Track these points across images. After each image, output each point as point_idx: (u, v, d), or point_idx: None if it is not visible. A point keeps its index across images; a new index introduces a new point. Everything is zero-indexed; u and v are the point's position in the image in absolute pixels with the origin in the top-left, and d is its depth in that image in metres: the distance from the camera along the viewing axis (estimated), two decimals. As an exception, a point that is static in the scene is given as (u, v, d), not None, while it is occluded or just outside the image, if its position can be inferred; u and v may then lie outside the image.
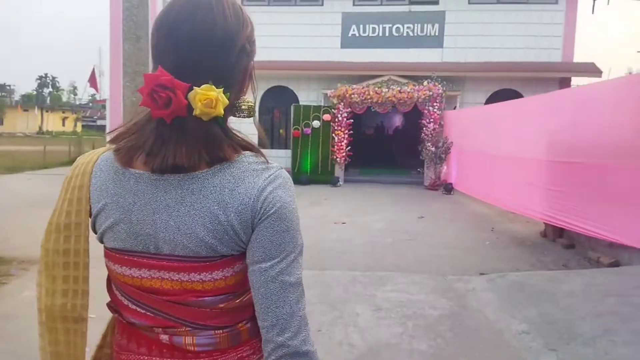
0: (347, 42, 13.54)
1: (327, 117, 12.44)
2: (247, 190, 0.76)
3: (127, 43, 14.51)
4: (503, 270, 5.04)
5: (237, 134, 0.84)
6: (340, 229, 6.72)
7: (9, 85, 71.98)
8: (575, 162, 6.05)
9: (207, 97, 0.74)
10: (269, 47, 13.57)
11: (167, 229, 0.76)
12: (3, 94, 67.08)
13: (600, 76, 12.20)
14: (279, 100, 13.80)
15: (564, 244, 6.19)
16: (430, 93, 12.06)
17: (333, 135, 12.48)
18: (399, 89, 12.16)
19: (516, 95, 12.70)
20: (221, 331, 0.79)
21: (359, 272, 4.82)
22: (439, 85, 12.10)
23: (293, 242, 0.77)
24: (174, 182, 0.76)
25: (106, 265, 0.83)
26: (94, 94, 17.25)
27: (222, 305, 0.78)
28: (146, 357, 0.80)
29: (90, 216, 0.83)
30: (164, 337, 0.79)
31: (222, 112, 0.77)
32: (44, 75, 73.92)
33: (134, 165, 0.78)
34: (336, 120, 12.45)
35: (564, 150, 6.23)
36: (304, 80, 13.60)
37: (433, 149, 11.94)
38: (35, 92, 71.60)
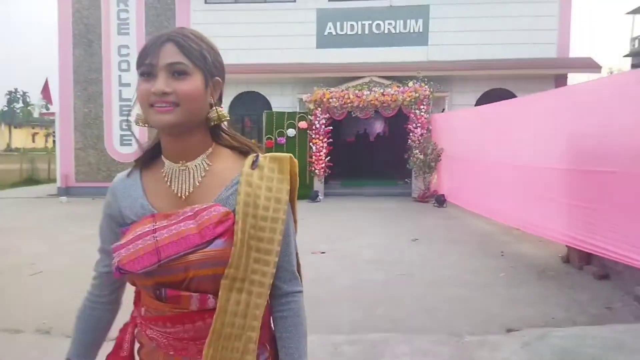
0: (323, 41, 12.30)
1: (303, 124, 11.16)
2: None
3: (78, 48, 12.93)
4: (533, 320, 3.80)
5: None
6: (319, 262, 5.41)
7: (-23, 102, 69.07)
8: (607, 171, 4.86)
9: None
10: (237, 49, 12.25)
11: None
12: (-30, 110, 64.19)
13: (599, 72, 11.22)
14: (249, 107, 12.47)
15: (595, 273, 4.99)
16: (417, 95, 10.89)
17: (310, 144, 11.21)
18: (381, 91, 10.96)
19: (509, 95, 11.62)
20: None
21: (344, 335, 3.51)
22: (426, 86, 10.94)
23: None
24: None
25: None
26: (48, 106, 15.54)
27: None
28: None
29: None
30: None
31: None
32: (13, 90, 71.17)
33: None
34: (313, 127, 11.19)
35: (590, 157, 5.05)
36: (276, 84, 12.30)
37: (421, 156, 10.75)
38: (4, 108, 68.78)
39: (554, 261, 5.63)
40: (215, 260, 0.95)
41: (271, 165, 1.04)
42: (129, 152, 12.73)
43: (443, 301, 4.29)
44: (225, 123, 1.07)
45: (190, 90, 0.95)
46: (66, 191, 12.55)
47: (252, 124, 12.74)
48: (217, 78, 1.03)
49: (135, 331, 1.10)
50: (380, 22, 12.28)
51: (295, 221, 1.10)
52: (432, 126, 11.07)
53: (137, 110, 1.03)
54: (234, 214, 0.98)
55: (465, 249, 6.23)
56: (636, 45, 27.95)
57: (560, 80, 11.73)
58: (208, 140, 1.04)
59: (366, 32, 12.31)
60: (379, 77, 11.48)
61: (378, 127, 17.74)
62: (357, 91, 11.03)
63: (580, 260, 5.31)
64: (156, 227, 0.97)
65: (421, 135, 10.96)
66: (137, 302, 1.10)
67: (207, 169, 1.03)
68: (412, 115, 11.02)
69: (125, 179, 1.09)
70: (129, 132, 12.71)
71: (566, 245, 5.54)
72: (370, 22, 12.28)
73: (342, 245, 6.48)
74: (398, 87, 11.04)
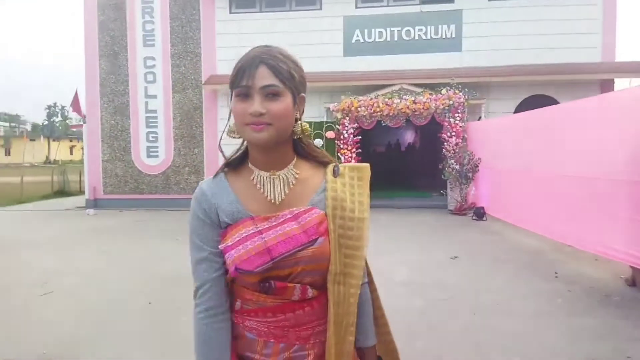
0: (351, 49, 11.89)
1: (330, 134, 10.72)
2: None
3: (104, 60, 12.88)
4: (605, 358, 3.18)
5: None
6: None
7: (20, 116, 71.92)
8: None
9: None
10: (262, 57, 12.02)
11: None
12: (13, 124, 66.78)
13: (650, 75, 10.37)
14: (275, 117, 12.10)
15: (670, 300, 4.30)
16: (451, 102, 10.31)
17: (339, 154, 10.74)
18: (412, 99, 10.42)
19: (550, 102, 10.89)
20: None
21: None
22: (460, 93, 10.34)
23: None
24: None
25: None
26: (80, 120, 15.61)
27: None
28: None
29: None
30: None
31: None
32: (52, 105, 73.84)
33: None
34: (341, 137, 10.73)
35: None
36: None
37: (457, 167, 10.12)
38: (45, 122, 71.28)
39: (617, 284, 4.94)
40: (320, 256, 1.07)
41: (351, 174, 1.16)
42: (156, 163, 12.59)
43: (492, 333, 3.71)
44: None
45: (282, 110, 1.03)
46: (94, 203, 12.46)
47: (278, 134, 12.36)
48: (303, 94, 1.10)
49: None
50: (410, 29, 11.78)
51: None
52: (467, 135, 10.45)
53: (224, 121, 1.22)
54: (326, 216, 1.09)
55: (513, 269, 5.60)
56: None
57: (606, 86, 10.93)
58: (292, 151, 1.14)
59: (395, 38, 11.83)
60: (410, 84, 10.95)
61: (409, 136, 17.14)
62: (386, 99, 10.53)
63: (649, 284, 4.62)
64: (260, 228, 1.06)
65: (456, 144, 10.35)
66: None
67: (297, 176, 1.13)
68: (446, 124, 10.42)
69: (212, 185, 1.14)
70: (155, 144, 12.57)
71: (630, 266, 4.86)
72: (399, 28, 11.80)
73: (374, 261, 5.88)
74: (430, 94, 10.48)
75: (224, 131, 1.21)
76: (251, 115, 1.01)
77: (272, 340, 1.08)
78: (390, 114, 10.51)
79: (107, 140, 12.75)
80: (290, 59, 1.07)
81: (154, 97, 12.49)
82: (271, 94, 1.02)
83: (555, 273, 5.38)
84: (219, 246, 1.07)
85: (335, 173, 1.14)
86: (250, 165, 1.12)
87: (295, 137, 1.13)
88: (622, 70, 10.88)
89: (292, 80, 1.05)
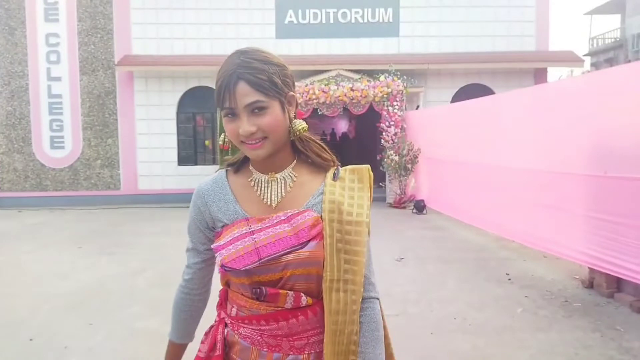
0: (284, 31, 11.03)
1: (262, 123, 9.85)
2: None
3: (-2, 36, 10.87)
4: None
5: None
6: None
7: None
8: (647, 177, 3.87)
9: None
10: (185, 38, 10.89)
11: None
12: None
13: (582, 65, 10.52)
14: (201, 104, 11.03)
15: (633, 304, 3.98)
16: (389, 90, 9.80)
17: (271, 145, 9.90)
18: (350, 85, 9.80)
19: (486, 91, 10.76)
20: None
21: None
22: (399, 81, 9.87)
23: None
24: None
25: None
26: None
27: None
28: None
29: None
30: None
31: None
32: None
33: None
34: (274, 126, 9.89)
35: (626, 161, 4.03)
36: (232, 78, 10.90)
37: (396, 157, 9.67)
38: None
39: (572, 286, 4.60)
40: (310, 261, 1.04)
41: (351, 177, 1.14)
42: (62, 156, 11.06)
43: (457, 357, 3.13)
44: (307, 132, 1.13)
45: (272, 122, 1.02)
46: (-11, 203, 10.73)
47: (204, 122, 11.29)
48: (291, 93, 1.07)
49: (226, 331, 1.16)
50: (347, 11, 11.12)
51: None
52: (406, 125, 10.02)
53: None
54: (321, 220, 1.07)
55: (463, 272, 5.13)
56: (595, 45, 28.20)
57: (540, 75, 10.96)
58: (291, 153, 1.13)
59: (331, 21, 11.12)
60: (347, 70, 10.32)
61: (344, 125, 16.61)
62: (323, 86, 9.83)
63: (609, 286, 4.30)
64: (252, 229, 1.06)
65: (395, 134, 9.89)
66: (222, 304, 1.19)
67: (295, 179, 1.12)
68: (385, 113, 9.92)
69: (212, 184, 1.16)
70: (61, 134, 11.04)
71: (589, 268, 4.53)
72: (335, 10, 11.10)
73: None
74: (368, 81, 9.92)
75: (221, 137, 1.24)
76: (242, 136, 1.02)
77: (265, 350, 1.08)
78: (327, 102, 9.83)
79: (2, 129, 10.99)
80: (268, 63, 1.03)
81: (58, 79, 10.91)
82: (257, 109, 1.01)
83: (507, 275, 4.97)
84: (212, 245, 1.11)
85: (335, 177, 1.13)
86: (250, 167, 1.14)
87: (292, 138, 1.11)
88: (556, 59, 10.95)
89: (274, 87, 1.01)
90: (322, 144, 1.16)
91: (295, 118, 1.08)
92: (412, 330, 3.60)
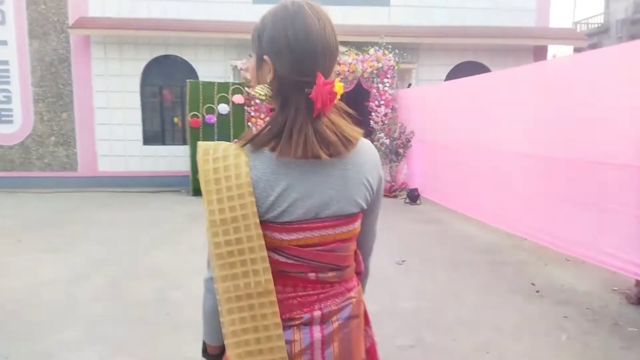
0: (263, -5, 9.88)
1: (238, 98, 8.78)
2: (375, 163, 1.06)
3: None
4: None
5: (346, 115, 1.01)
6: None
7: None
8: None
9: (340, 90, 0.93)
10: (150, -1, 9.59)
11: (335, 198, 0.98)
12: None
13: (584, 44, 9.75)
14: (168, 75, 9.83)
15: (700, 330, 3.22)
16: (379, 65, 8.84)
17: (249, 123, 8.88)
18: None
19: (483, 69, 9.92)
20: (347, 267, 1.06)
21: None
22: (390, 55, 8.91)
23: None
24: (330, 164, 0.97)
25: (264, 236, 0.95)
26: None
27: (352, 249, 1.07)
28: (292, 294, 1.00)
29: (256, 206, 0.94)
30: (312, 275, 1.01)
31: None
32: None
33: (285, 153, 0.93)
34: (252, 103, 8.85)
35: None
36: (203, 47, 9.72)
37: (387, 141, 8.77)
38: None
39: (615, 302, 3.82)
40: None
41: None
42: (10, 132, 9.77)
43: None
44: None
45: (250, 70, 1.06)
46: None
47: (172, 97, 10.09)
48: (265, 56, 0.97)
49: None
50: (334, -24, 10.01)
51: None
52: (397, 104, 9.11)
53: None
54: None
55: (479, 280, 4.30)
56: (579, 30, 27.78)
57: (539, 53, 10.17)
58: None
59: (316, -14, 10.00)
60: (333, 42, 9.27)
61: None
62: (306, 58, 8.77)
63: (664, 304, 3.54)
64: None
65: (385, 115, 8.97)
66: None
67: None
68: (374, 91, 8.97)
69: None
70: (9, 106, 9.70)
71: (636, 279, 3.76)
72: (321, -26, 9.97)
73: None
74: (357, 55, 8.93)
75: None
76: None
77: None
78: (311, 77, 8.79)
79: None
80: (261, 19, 1.00)
81: (4, 43, 9.51)
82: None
83: (533, 285, 4.16)
84: None
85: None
86: None
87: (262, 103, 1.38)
88: (557, 37, 10.15)
89: (254, 42, 1.01)
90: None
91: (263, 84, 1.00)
92: (436, 371, 2.74)
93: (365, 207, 1.04)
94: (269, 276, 0.95)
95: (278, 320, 0.96)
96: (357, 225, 1.03)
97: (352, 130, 0.98)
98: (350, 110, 1.01)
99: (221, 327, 0.98)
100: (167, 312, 3.52)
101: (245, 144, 0.97)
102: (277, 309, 0.96)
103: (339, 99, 0.95)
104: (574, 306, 3.70)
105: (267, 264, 0.95)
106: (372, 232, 1.17)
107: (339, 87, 0.92)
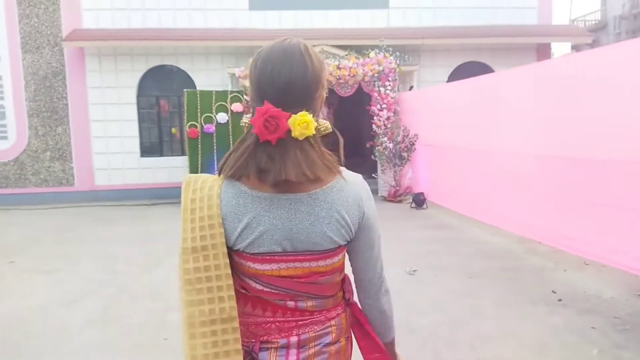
0: (258, 1, 9.70)
1: (237, 106, 8.57)
2: (356, 200, 1.03)
3: None
4: None
5: (325, 151, 1.00)
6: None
7: None
8: None
9: (304, 121, 0.93)
10: (143, 9, 9.45)
11: (303, 233, 0.98)
12: None
13: (589, 40, 9.55)
14: (164, 85, 9.65)
15: None
16: (380, 68, 8.65)
17: (248, 132, 8.65)
18: (336, 63, 8.60)
19: (485, 69, 9.72)
20: (328, 297, 1.06)
21: None
22: (391, 57, 8.72)
23: (378, 234, 1.11)
24: (298, 199, 0.98)
25: (239, 264, 1.01)
26: None
27: (335, 280, 1.06)
28: (270, 319, 1.02)
29: (224, 235, 0.99)
30: (291, 303, 1.02)
31: (313, 131, 0.95)
32: None
33: (254, 186, 0.98)
34: (252, 111, 8.63)
35: None
36: (200, 55, 9.54)
37: (390, 145, 8.56)
38: None
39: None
40: None
41: None
42: (5, 147, 9.57)
43: None
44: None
45: None
46: None
47: (170, 107, 9.90)
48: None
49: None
50: (330, -21, 9.85)
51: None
52: (399, 107, 8.91)
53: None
54: None
55: (497, 289, 4.06)
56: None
57: (542, 51, 9.97)
58: None
59: (313, -10, 9.85)
60: (332, 46, 9.09)
61: (329, 109, 15.37)
62: (305, 63, 8.58)
63: (698, 311, 3.30)
64: None
65: (387, 118, 8.76)
66: None
67: None
68: (376, 94, 8.78)
69: None
70: (3, 122, 9.51)
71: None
72: (317, -22, 9.82)
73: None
74: (357, 58, 8.73)
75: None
76: None
77: None
78: (310, 82, 8.60)
79: None
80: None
81: None
82: None
83: (554, 292, 3.92)
84: None
85: None
86: None
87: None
88: (560, 34, 9.97)
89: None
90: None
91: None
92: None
93: (343, 243, 1.02)
94: (234, 303, 0.98)
95: (239, 346, 0.97)
96: (336, 259, 1.03)
97: (322, 168, 0.97)
98: (328, 151, 1.01)
99: (182, 351, 0.98)
100: (164, 337, 3.28)
101: (219, 173, 1.01)
102: (239, 335, 0.97)
103: (324, 136, 0.99)
104: (601, 315, 3.45)
105: (232, 292, 0.98)
106: (372, 270, 1.11)
107: (305, 121, 0.92)
